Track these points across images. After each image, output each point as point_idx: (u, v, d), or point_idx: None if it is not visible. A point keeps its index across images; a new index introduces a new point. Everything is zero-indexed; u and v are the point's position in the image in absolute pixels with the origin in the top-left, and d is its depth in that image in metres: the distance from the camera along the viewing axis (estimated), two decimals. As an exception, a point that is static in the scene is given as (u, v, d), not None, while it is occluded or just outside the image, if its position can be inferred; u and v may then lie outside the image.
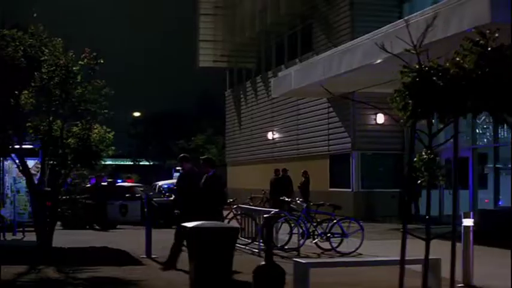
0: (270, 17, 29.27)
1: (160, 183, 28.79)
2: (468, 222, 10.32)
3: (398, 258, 9.74)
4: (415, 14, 16.18)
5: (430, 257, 7.88)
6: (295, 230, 14.42)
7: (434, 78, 7.03)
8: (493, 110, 7.03)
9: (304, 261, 9.28)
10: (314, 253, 14.38)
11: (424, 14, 15.63)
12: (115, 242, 16.06)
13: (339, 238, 14.58)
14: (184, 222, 9.81)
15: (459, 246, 15.75)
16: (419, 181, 7.31)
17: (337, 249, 14.39)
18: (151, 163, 68.84)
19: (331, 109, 24.82)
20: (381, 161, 23.38)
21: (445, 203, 21.64)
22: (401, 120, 7.21)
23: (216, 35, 35.57)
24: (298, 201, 15.64)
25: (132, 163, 69.68)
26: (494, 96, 6.87)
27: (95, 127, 13.70)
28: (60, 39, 13.47)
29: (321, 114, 25.61)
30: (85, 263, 12.34)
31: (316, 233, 14.69)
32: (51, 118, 13.58)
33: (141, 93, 74.54)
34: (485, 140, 20.14)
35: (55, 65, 13.31)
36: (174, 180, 30.52)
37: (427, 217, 7.16)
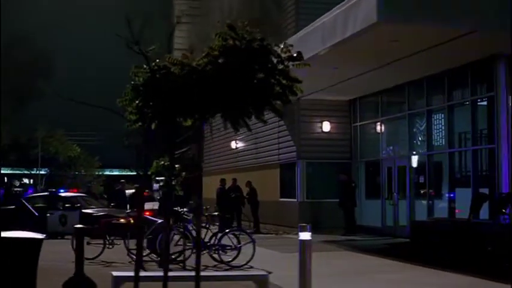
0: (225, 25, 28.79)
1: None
2: (305, 236, 9.60)
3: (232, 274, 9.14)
4: (323, 16, 15.58)
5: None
6: (181, 241, 13.91)
7: (168, 77, 6.37)
8: (226, 111, 6.41)
9: (115, 274, 8.80)
10: (205, 265, 13.83)
11: (331, 14, 15.10)
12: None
13: (232, 250, 14.03)
14: None
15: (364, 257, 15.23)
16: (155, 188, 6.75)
17: (231, 262, 13.85)
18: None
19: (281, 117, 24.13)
20: (327, 170, 22.61)
21: (387, 214, 20.88)
22: (127, 124, 6.61)
23: (191, 44, 35.17)
24: (185, 211, 15.06)
25: (135, 173, 69.62)
26: (224, 96, 6.25)
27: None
28: None
29: (273, 123, 24.99)
30: None
31: (208, 244, 14.14)
32: None
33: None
34: (425, 147, 19.33)
35: None
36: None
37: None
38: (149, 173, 5.55)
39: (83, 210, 21.52)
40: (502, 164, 15.45)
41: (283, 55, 6.50)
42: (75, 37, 79.46)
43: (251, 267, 13.41)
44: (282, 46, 6.52)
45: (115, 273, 8.94)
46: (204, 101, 6.24)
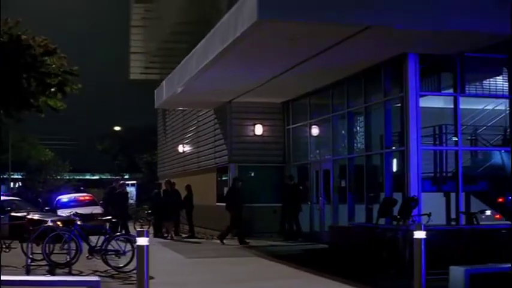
0: (178, 26, 28.60)
1: (63, 196, 28.01)
2: (142, 241, 9.13)
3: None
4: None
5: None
6: (67, 246, 13.58)
7: None
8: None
9: None
10: (95, 270, 13.45)
11: (227, 14, 14.69)
12: None
13: (120, 254, 13.63)
14: None
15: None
16: None
17: (123, 267, 13.44)
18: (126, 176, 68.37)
19: (216, 120, 23.76)
20: (260, 174, 22.14)
21: (315, 219, 20.45)
22: None
23: (146, 47, 34.91)
24: (72, 215, 14.67)
25: (113, 177, 69.39)
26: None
27: None
28: None
29: (209, 127, 24.61)
30: None
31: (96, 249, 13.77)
32: None
33: (109, 108, 74.16)
34: (346, 151, 18.81)
35: None
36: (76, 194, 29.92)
37: None
38: None
39: (13, 214, 21.22)
40: (411, 168, 15.00)
41: (36, 49, 6.06)
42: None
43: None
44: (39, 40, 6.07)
45: None
46: None
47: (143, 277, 9.12)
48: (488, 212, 16.59)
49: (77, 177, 63.05)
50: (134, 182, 43.50)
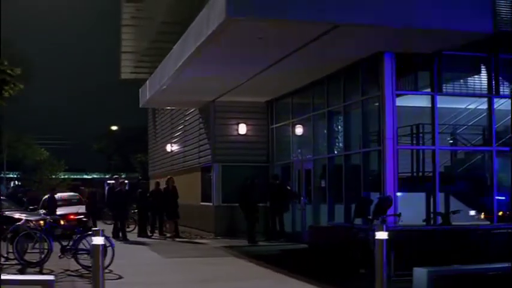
0: (167, 26, 28.50)
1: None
2: (98, 240, 9.09)
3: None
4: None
5: None
6: (39, 245, 13.57)
7: None
8: None
9: None
10: (66, 269, 13.39)
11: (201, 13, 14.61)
12: None
13: (89, 254, 13.55)
14: None
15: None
16: None
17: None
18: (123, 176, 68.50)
19: (201, 119, 23.69)
20: (244, 174, 22.01)
21: (297, 219, 20.35)
22: None
23: (137, 46, 34.71)
24: (42, 214, 14.64)
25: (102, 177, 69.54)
26: None
27: None
28: None
29: (194, 127, 24.55)
30: None
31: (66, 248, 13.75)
32: None
33: (107, 108, 74.13)
34: (326, 150, 18.69)
35: None
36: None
37: None
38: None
39: None
40: (387, 167, 14.89)
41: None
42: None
43: (110, 271, 12.97)
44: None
45: None
46: None
47: (98, 276, 9.08)
48: (472, 212, 16.51)
49: (72, 176, 63.04)
50: (126, 181, 43.45)
